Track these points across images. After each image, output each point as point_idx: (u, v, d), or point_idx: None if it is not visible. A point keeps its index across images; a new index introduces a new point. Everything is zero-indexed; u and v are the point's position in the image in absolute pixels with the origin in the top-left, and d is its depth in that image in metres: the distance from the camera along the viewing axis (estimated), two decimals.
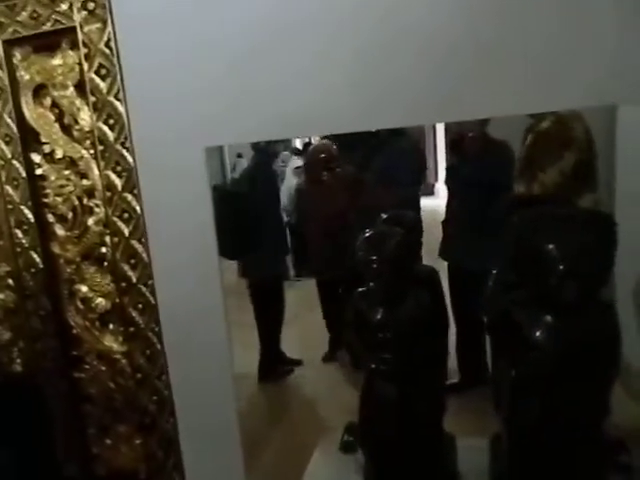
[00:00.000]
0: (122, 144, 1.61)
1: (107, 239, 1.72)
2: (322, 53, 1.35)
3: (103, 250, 1.76)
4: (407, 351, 1.26)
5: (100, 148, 1.63)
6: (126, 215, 1.65)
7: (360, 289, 1.38)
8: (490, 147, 2.03)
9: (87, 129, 1.66)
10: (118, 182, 1.63)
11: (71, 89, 1.65)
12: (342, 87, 1.35)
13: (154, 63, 1.49)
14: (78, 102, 1.66)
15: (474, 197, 2.08)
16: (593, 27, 1.14)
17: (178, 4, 1.45)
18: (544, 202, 1.57)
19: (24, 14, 1.61)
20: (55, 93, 1.67)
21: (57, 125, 1.70)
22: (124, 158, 1.61)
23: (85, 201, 1.73)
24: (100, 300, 1.80)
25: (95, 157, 1.67)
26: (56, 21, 1.59)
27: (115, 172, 1.63)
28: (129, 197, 1.64)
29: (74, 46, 1.61)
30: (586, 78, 1.16)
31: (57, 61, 1.65)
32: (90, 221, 1.75)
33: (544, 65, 1.19)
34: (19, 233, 1.78)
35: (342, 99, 1.36)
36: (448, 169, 2.45)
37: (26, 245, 1.78)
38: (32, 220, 1.76)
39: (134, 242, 1.67)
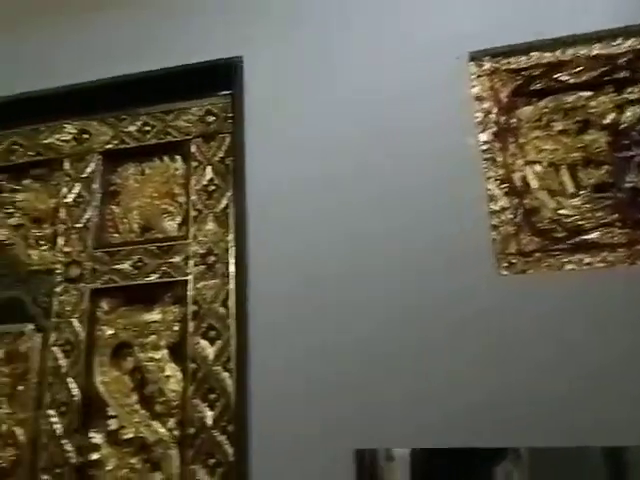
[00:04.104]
0: (223, 430, 1.22)
1: None
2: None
3: None
4: None
5: (190, 431, 1.23)
6: None
7: None
8: None
9: (175, 404, 1.29)
10: None
11: (164, 351, 1.33)
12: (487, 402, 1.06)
13: (285, 334, 1.21)
14: (170, 368, 1.31)
15: None
16: None
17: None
18: None
19: (126, 263, 1.38)
20: (141, 355, 1.34)
21: (135, 395, 1.32)
22: (222, 450, 1.20)
23: None
24: None
25: (180, 444, 1.25)
26: (164, 273, 1.36)
27: (206, 467, 1.20)
28: None
29: (178, 301, 1.35)
30: None
31: (153, 317, 1.36)
32: None
33: None
34: None
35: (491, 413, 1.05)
36: None
37: None
38: None
39: None
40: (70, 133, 1.52)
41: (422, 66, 1.27)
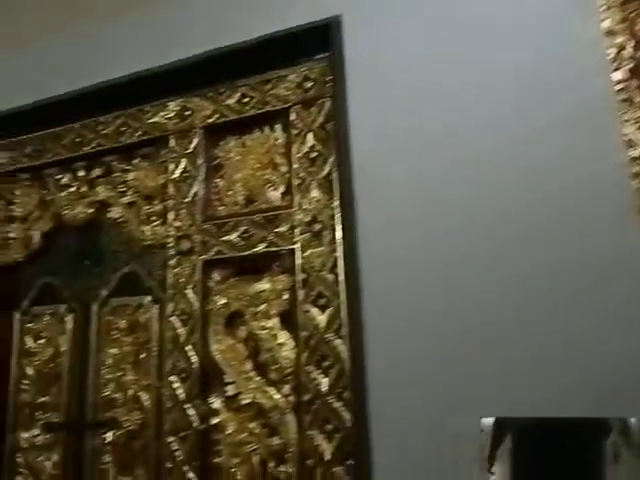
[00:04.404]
0: (339, 397, 1.21)
1: None
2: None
3: None
4: None
5: (306, 397, 1.24)
6: None
7: None
8: None
9: (289, 371, 1.30)
10: (326, 449, 1.19)
11: (275, 320, 1.34)
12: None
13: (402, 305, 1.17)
14: (282, 336, 1.33)
15: None
16: None
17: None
18: None
19: (234, 235, 1.40)
20: (253, 323, 1.36)
21: (249, 363, 1.35)
22: (339, 416, 1.20)
23: (271, 467, 1.28)
24: None
25: (296, 410, 1.27)
26: (271, 243, 1.36)
27: (324, 433, 1.20)
28: (338, 469, 1.18)
29: (286, 270, 1.35)
30: None
31: (262, 286, 1.37)
32: None
33: None
34: None
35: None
36: None
37: None
38: None
39: None
40: (173, 110, 1.56)
41: (539, 1, 1.15)
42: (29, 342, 1.67)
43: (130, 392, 1.49)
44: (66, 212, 1.67)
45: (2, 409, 1.64)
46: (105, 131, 1.64)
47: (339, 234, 1.28)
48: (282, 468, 1.26)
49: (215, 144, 1.52)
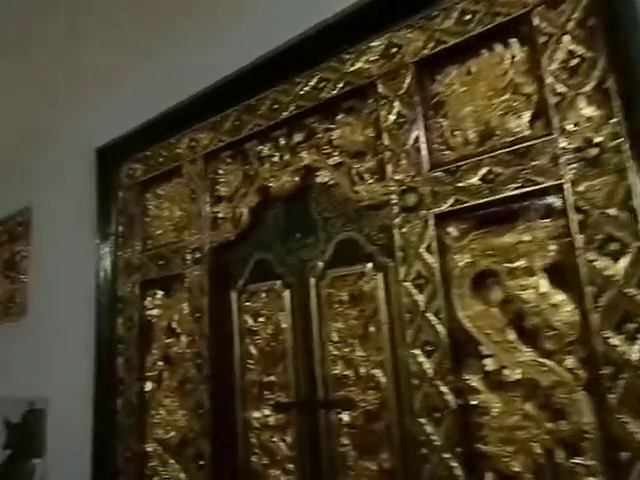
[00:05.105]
0: None
1: None
2: None
3: None
4: None
5: (605, 371, 0.95)
6: None
7: None
8: None
9: (572, 338, 1.02)
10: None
11: (541, 276, 1.07)
12: None
13: None
14: (555, 295, 1.05)
15: None
16: None
17: None
18: None
19: (473, 179, 1.16)
20: (510, 283, 1.11)
21: (511, 331, 1.10)
22: None
23: (560, 458, 1.02)
24: None
25: (588, 387, 0.99)
26: (526, 181, 1.09)
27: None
28: None
29: (550, 213, 1.08)
30: None
31: (518, 236, 1.11)
32: None
33: None
34: None
35: None
36: None
37: None
38: (459, 470, 1.11)
39: None
40: (377, 51, 1.36)
41: None
42: (249, 321, 1.63)
43: (362, 369, 1.35)
44: (271, 184, 1.59)
45: (230, 389, 1.63)
46: (302, 91, 1.52)
47: (628, 155, 0.97)
48: (578, 460, 0.99)
49: (432, 79, 1.29)
